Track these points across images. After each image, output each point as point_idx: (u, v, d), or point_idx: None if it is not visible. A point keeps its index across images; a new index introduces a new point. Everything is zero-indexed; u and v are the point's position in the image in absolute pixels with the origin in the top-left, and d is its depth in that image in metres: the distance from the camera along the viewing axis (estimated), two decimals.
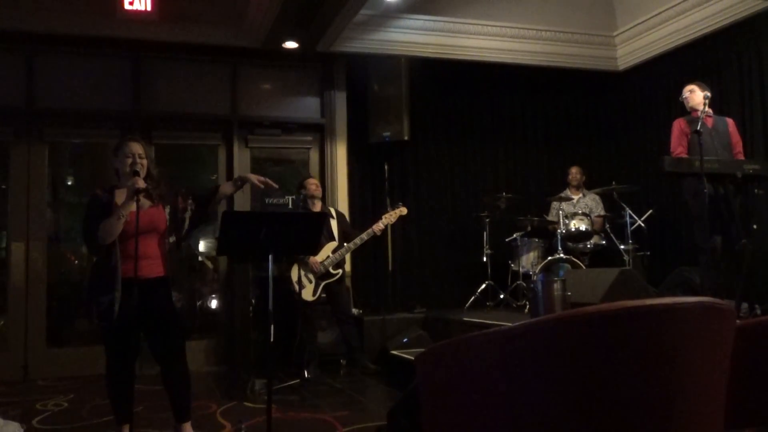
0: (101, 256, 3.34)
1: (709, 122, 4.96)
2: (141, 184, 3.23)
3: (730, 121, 5.20)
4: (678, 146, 4.97)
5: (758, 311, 4.54)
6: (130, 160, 3.35)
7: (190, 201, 3.55)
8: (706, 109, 4.79)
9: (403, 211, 5.84)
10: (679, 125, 5.07)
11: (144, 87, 6.37)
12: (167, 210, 3.47)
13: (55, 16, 5.82)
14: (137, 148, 3.40)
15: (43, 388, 5.39)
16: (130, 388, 3.33)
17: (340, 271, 5.70)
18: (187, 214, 3.53)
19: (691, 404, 1.52)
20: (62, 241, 6.39)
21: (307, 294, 5.56)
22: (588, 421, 1.46)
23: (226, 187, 3.72)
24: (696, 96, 5.05)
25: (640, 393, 1.46)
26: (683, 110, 5.25)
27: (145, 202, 3.33)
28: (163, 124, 6.44)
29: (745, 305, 4.58)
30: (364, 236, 5.67)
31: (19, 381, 5.69)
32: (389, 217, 5.78)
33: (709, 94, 4.85)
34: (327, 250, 5.65)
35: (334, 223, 5.81)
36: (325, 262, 5.60)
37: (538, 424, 1.50)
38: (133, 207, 3.17)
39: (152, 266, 3.34)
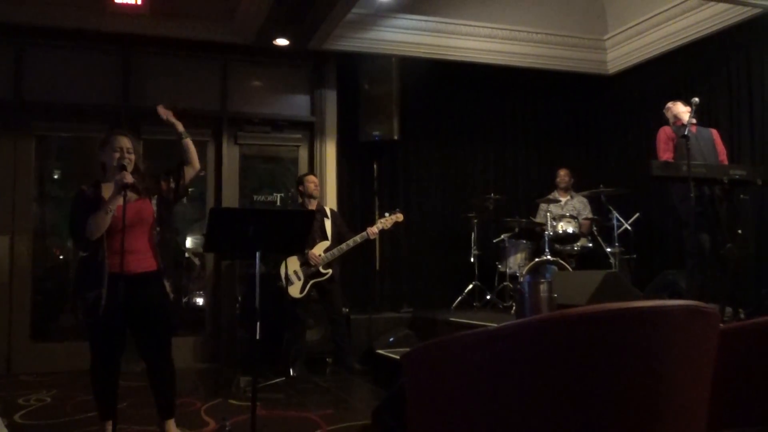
0: (88, 252, 3.32)
1: (693, 129, 5.02)
2: (128, 178, 3.21)
3: (714, 131, 5.29)
4: (665, 152, 5.01)
5: (742, 315, 4.59)
6: (117, 155, 3.33)
7: (171, 180, 3.55)
8: (692, 115, 4.85)
9: (400, 217, 5.83)
10: (664, 132, 5.13)
11: (133, 82, 6.33)
12: (154, 201, 3.46)
13: (44, 9, 5.77)
14: (125, 142, 3.38)
15: (25, 383, 5.34)
16: (114, 384, 3.31)
17: (330, 270, 5.69)
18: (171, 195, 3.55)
19: (675, 405, 1.53)
20: (48, 236, 6.34)
21: (295, 291, 5.55)
22: (573, 421, 1.47)
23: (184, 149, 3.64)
24: (677, 106, 5.18)
25: (624, 393, 1.47)
26: (668, 122, 5.33)
27: (132, 195, 3.31)
28: (151, 119, 6.25)
29: (729, 309, 4.62)
30: (358, 239, 5.66)
31: (2, 375, 5.64)
32: (385, 222, 5.76)
33: (697, 99, 4.90)
34: (319, 249, 5.64)
35: (328, 223, 5.79)
36: (319, 260, 5.59)
37: (523, 423, 1.50)
38: (120, 201, 3.14)
39: (140, 260, 3.32)
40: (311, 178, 5.87)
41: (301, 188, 5.81)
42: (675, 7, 6.44)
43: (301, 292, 5.57)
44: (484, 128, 7.52)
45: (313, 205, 5.74)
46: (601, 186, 6.35)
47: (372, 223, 5.81)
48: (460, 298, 6.51)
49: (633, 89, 7.36)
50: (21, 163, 6.01)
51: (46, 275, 6.21)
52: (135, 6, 5.78)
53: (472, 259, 6.58)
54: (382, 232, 5.81)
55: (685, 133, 4.45)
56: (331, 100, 6.86)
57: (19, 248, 5.92)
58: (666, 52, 6.69)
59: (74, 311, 5.70)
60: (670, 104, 5.32)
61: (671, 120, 5.27)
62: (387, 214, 5.85)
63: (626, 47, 7.18)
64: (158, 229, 3.48)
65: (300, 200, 5.85)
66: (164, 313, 3.41)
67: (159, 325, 3.41)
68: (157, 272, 3.39)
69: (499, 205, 6.63)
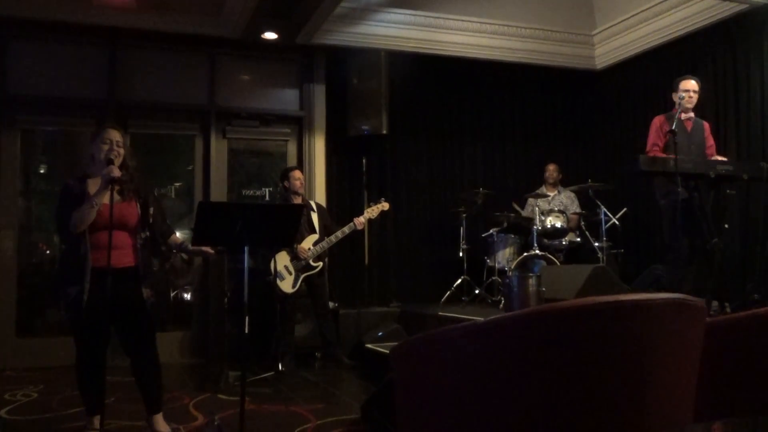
0: (70, 246, 3.30)
1: (689, 125, 5.03)
2: (116, 172, 3.19)
3: (706, 125, 5.28)
4: (654, 145, 5.02)
5: (728, 309, 4.62)
6: (107, 147, 3.31)
7: (153, 210, 3.51)
8: (691, 114, 4.87)
9: (385, 206, 5.84)
10: (659, 122, 5.10)
11: (120, 75, 6.28)
12: (139, 204, 3.43)
13: (29, 1, 5.70)
14: (115, 135, 3.36)
15: (12, 379, 5.30)
16: (100, 379, 3.29)
17: (321, 264, 5.69)
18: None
19: (662, 397, 1.54)
20: (34, 230, 6.29)
21: (287, 286, 5.54)
22: (561, 413, 1.48)
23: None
24: (694, 99, 5.05)
25: (611, 385, 1.48)
26: (662, 108, 5.30)
27: (116, 197, 3.28)
28: (139, 113, 6.35)
29: (715, 303, 4.65)
30: (346, 230, 5.65)
31: None
32: (371, 212, 5.77)
33: (683, 95, 4.92)
34: (308, 243, 5.63)
35: (315, 216, 5.79)
36: (308, 253, 5.59)
37: (511, 416, 1.51)
38: (107, 196, 3.13)
39: (121, 256, 3.30)
40: (297, 174, 5.78)
41: (286, 184, 5.74)
42: (662, 3, 6.47)
43: (293, 286, 5.56)
44: (472, 123, 7.53)
45: (297, 201, 5.70)
46: (589, 181, 6.37)
47: (360, 216, 5.80)
48: (448, 292, 6.51)
49: (621, 85, 7.39)
50: (6, 157, 5.94)
51: (31, 270, 6.16)
52: None
53: (460, 254, 6.59)
54: (370, 225, 5.81)
55: (673, 128, 4.47)
56: (319, 94, 6.83)
57: (4, 243, 5.87)
58: (653, 47, 6.72)
59: (57, 306, 5.65)
60: (693, 95, 5.03)
61: (682, 108, 5.07)
62: (372, 204, 5.86)
63: (614, 43, 7.21)
64: (147, 234, 3.46)
65: (285, 196, 5.78)
66: (146, 308, 3.40)
67: (141, 320, 3.39)
68: (135, 267, 3.38)
69: (488, 199, 6.64)
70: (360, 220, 5.68)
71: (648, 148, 5.05)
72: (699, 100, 5.11)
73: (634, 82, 7.15)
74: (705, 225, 4.77)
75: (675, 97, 5.11)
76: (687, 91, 5.05)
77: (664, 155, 4.83)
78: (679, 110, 4.87)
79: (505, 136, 7.69)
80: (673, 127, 4.47)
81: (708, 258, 4.79)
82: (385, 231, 7.01)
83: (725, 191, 5.01)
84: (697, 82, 5.10)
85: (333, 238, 5.66)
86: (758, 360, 1.95)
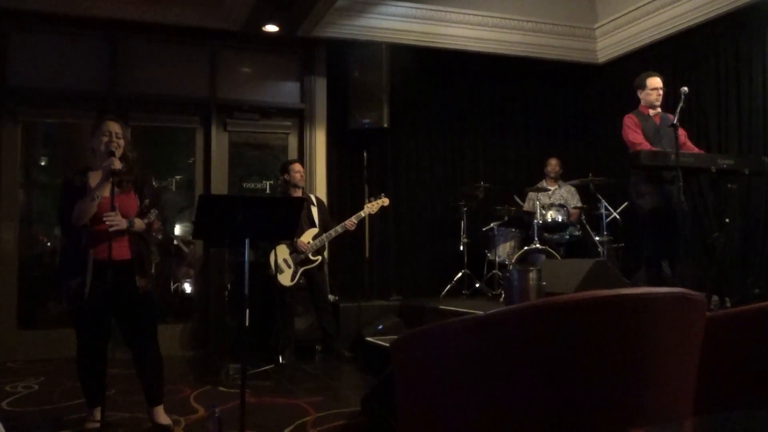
0: (71, 239, 3.31)
1: (657, 120, 5.02)
2: (116, 164, 3.20)
3: (672, 118, 5.24)
4: (643, 140, 4.98)
5: (728, 304, 4.62)
6: (106, 139, 3.32)
7: (156, 212, 3.51)
8: (658, 109, 4.86)
9: (385, 201, 5.83)
10: (630, 119, 5.08)
11: (121, 68, 6.27)
12: (137, 195, 3.44)
13: None
14: (115, 127, 3.37)
15: (12, 371, 5.32)
16: (101, 371, 3.31)
17: (320, 257, 5.70)
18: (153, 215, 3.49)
19: (661, 390, 1.54)
20: (35, 223, 6.29)
21: (286, 279, 5.55)
22: (560, 406, 1.48)
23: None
24: (661, 96, 5.08)
25: (611, 379, 1.48)
26: (663, 103, 5.27)
27: (116, 189, 3.28)
28: (139, 105, 6.34)
29: (715, 298, 4.65)
30: (339, 229, 5.66)
31: None
32: (371, 207, 5.76)
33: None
34: (308, 236, 5.64)
35: (315, 210, 5.80)
36: (308, 247, 5.59)
37: (512, 409, 1.51)
38: (108, 188, 3.14)
39: (122, 249, 3.31)
40: (297, 167, 5.79)
41: (286, 176, 5.76)
42: None
43: (292, 280, 5.57)
44: (473, 116, 7.52)
45: (298, 194, 5.70)
46: (590, 175, 6.36)
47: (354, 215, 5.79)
48: (449, 286, 6.52)
49: (622, 78, 7.34)
50: (7, 149, 5.94)
51: (32, 262, 6.16)
52: None
53: (461, 248, 6.59)
54: (370, 219, 5.80)
55: (674, 122, 4.45)
56: (320, 87, 6.82)
57: (5, 235, 5.87)
58: (656, 41, 6.70)
59: (59, 298, 5.67)
60: (661, 92, 5.09)
61: (647, 105, 5.12)
62: (372, 199, 5.85)
63: (616, 36, 7.18)
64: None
65: (285, 189, 5.79)
66: (147, 300, 3.41)
67: (142, 313, 3.40)
68: (132, 261, 3.38)
69: (489, 193, 6.63)
70: (352, 221, 5.67)
71: (638, 142, 4.99)
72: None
73: (637, 76, 7.12)
74: (706, 220, 4.77)
75: (641, 94, 5.11)
76: (655, 89, 5.09)
77: (662, 149, 4.81)
78: (679, 105, 4.84)
79: (506, 130, 7.67)
80: (675, 121, 4.46)
81: (709, 252, 4.78)
82: (385, 224, 7.01)
83: (726, 186, 4.99)
84: (661, 78, 5.13)
85: (333, 233, 5.68)
86: (758, 354, 1.96)
